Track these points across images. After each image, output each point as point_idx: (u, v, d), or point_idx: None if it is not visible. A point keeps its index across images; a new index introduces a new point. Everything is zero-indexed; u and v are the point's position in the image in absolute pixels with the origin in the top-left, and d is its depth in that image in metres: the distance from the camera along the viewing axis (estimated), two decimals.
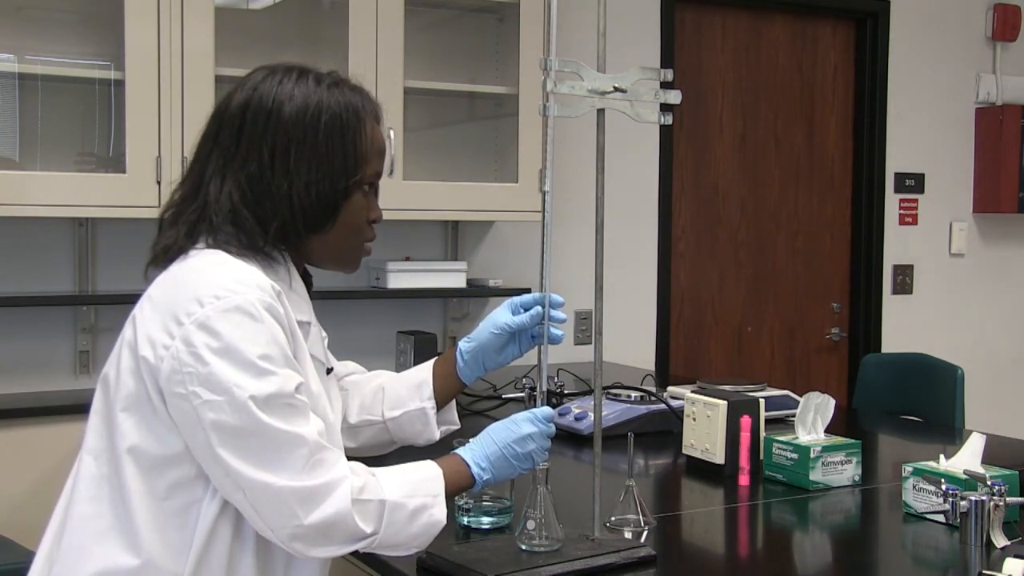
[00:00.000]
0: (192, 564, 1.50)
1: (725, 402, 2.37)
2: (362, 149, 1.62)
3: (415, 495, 1.56)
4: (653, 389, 2.97)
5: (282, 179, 1.57)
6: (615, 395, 2.91)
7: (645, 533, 1.95)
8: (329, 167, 1.59)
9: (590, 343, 3.86)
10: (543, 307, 1.78)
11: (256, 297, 1.50)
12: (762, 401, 2.43)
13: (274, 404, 1.47)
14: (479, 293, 3.92)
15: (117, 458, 1.51)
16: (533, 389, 2.46)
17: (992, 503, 1.86)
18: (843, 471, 2.29)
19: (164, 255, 1.60)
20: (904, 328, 4.94)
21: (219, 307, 1.47)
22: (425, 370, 1.86)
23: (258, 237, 1.57)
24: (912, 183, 4.97)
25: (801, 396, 2.37)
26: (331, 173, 1.59)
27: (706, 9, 4.56)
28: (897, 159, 4.92)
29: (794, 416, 2.35)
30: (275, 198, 1.57)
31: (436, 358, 1.88)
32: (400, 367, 3.44)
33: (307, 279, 1.71)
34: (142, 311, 1.54)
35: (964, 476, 1.96)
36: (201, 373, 1.45)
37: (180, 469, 1.51)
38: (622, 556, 1.76)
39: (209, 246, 1.57)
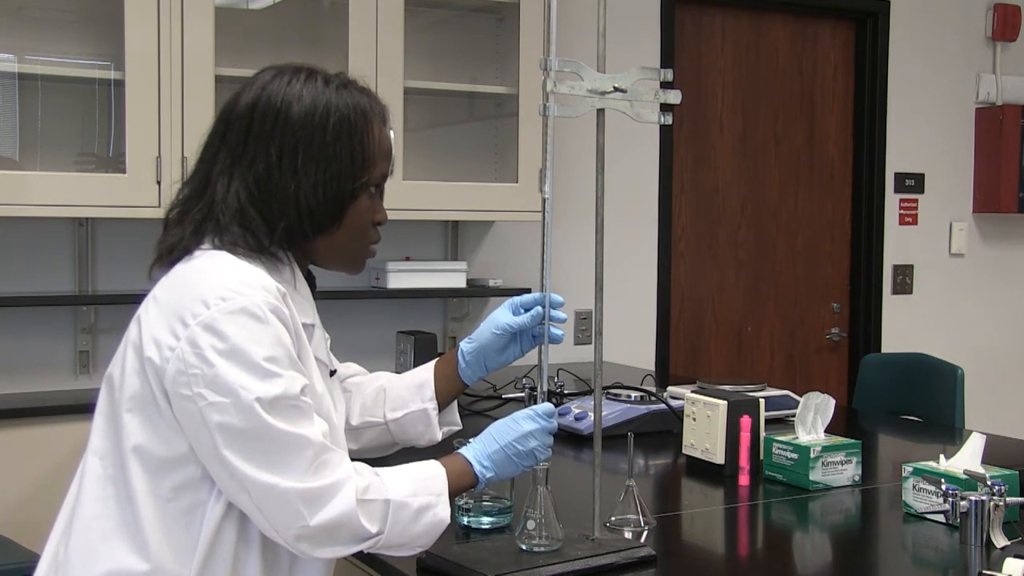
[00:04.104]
0: (197, 565, 1.50)
1: (725, 402, 2.37)
2: (369, 151, 1.62)
3: (419, 494, 1.56)
4: (653, 389, 2.97)
5: (289, 179, 1.57)
6: (615, 395, 2.91)
7: (645, 533, 1.95)
8: (336, 168, 1.59)
9: (590, 343, 3.86)
10: (543, 307, 1.78)
11: (261, 299, 1.50)
12: (762, 401, 2.43)
13: (280, 406, 1.47)
14: (479, 293, 3.92)
15: (122, 458, 1.52)
16: (533, 389, 2.45)
17: (992, 503, 1.86)
18: (843, 471, 2.29)
19: (169, 254, 1.60)
20: (904, 328, 4.94)
21: (225, 309, 1.48)
22: (426, 371, 1.86)
23: (264, 237, 1.57)
24: (912, 183, 4.97)
25: (801, 396, 2.37)
26: (338, 174, 1.59)
27: (706, 9, 4.56)
28: (897, 159, 4.92)
29: (794, 416, 2.35)
30: (282, 198, 1.58)
31: (437, 359, 1.89)
32: (400, 367, 3.44)
33: (311, 281, 1.71)
34: (147, 312, 1.54)
35: (964, 476, 1.96)
36: (207, 375, 1.45)
37: (185, 470, 1.51)
38: (622, 556, 1.76)
39: (215, 246, 1.57)
